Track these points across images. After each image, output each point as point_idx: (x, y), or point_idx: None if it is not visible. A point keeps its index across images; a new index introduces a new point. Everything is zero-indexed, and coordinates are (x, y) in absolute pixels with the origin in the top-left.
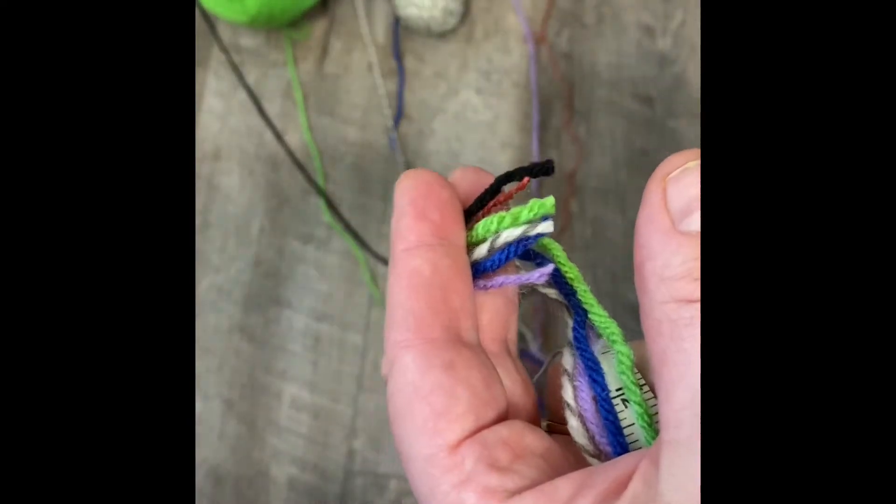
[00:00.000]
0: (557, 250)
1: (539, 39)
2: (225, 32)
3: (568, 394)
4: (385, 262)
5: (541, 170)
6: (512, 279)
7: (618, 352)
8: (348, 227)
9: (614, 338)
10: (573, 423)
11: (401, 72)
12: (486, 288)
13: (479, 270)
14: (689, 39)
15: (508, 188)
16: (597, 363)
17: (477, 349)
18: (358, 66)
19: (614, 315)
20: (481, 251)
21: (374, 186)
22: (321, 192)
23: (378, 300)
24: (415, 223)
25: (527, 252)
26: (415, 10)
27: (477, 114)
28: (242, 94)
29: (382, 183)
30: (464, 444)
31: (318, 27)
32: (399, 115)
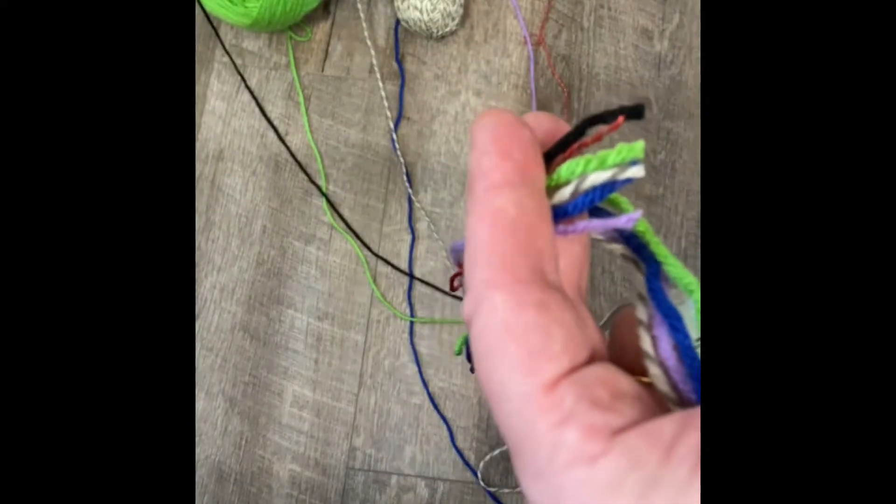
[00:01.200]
0: (625, 203)
1: (538, 42)
2: (227, 35)
3: (647, 344)
4: (386, 261)
5: (631, 112)
6: (595, 224)
7: (696, 301)
8: (349, 228)
9: (692, 287)
10: (655, 372)
11: (401, 74)
12: (565, 233)
13: (559, 215)
14: (686, 42)
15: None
16: (676, 312)
17: (563, 292)
18: (359, 69)
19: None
20: (563, 194)
21: (374, 187)
22: (323, 193)
23: (380, 299)
24: (499, 161)
25: (584, 194)
26: (415, 13)
27: (476, 115)
28: (245, 96)
29: (383, 184)
30: (561, 382)
31: (320, 30)
32: (399, 116)
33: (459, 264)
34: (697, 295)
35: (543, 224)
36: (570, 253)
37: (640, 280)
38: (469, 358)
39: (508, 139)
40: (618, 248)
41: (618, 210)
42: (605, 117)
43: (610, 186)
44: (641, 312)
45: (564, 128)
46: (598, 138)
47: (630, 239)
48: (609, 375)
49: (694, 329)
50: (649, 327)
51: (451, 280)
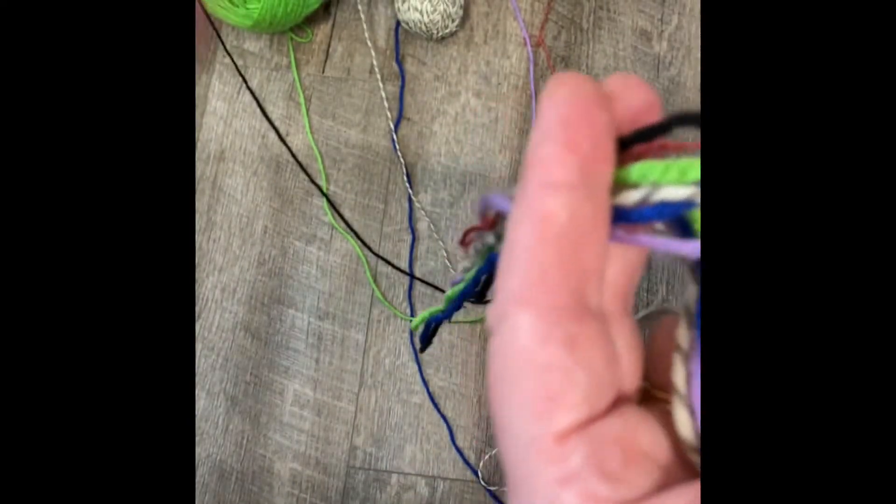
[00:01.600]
0: (698, 216)
1: (537, 43)
2: (229, 36)
3: (679, 378)
4: (387, 261)
5: None
6: (658, 242)
7: None
8: (350, 228)
9: None
10: (681, 417)
11: (402, 75)
12: (621, 241)
13: (619, 216)
14: (685, 43)
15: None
16: None
17: (600, 318)
18: (359, 70)
19: None
20: (630, 198)
21: (375, 188)
22: (323, 194)
23: (380, 298)
24: (562, 153)
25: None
26: (416, 14)
27: (476, 116)
28: (246, 97)
29: (384, 184)
30: (573, 436)
31: (321, 31)
32: (400, 117)
33: (483, 217)
34: None
35: (597, 234)
36: (624, 259)
37: (691, 291)
38: (422, 339)
39: (580, 124)
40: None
41: (691, 220)
42: (696, 120)
43: (685, 206)
44: (682, 336)
45: (657, 106)
46: (682, 147)
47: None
48: (628, 431)
49: None
50: (687, 358)
51: (465, 234)
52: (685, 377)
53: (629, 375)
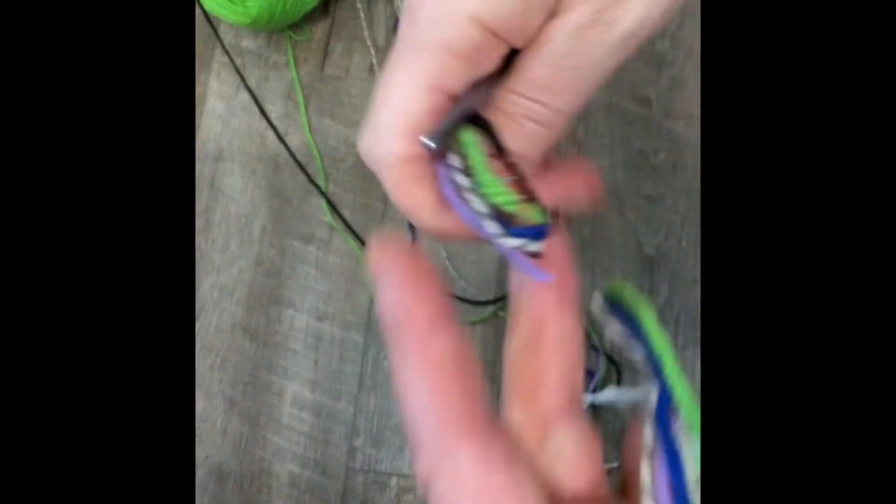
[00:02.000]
0: (648, 316)
1: None
2: (227, 34)
3: (645, 474)
4: None
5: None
6: (623, 397)
7: (696, 437)
8: (349, 228)
9: (696, 427)
10: None
11: None
12: (587, 392)
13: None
14: (687, 41)
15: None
16: (677, 452)
17: (505, 428)
18: (359, 69)
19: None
20: (479, 206)
21: (374, 187)
22: (322, 193)
23: None
24: (418, 306)
25: (612, 305)
26: None
27: None
28: (244, 96)
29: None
30: None
31: (319, 29)
32: None
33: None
34: (698, 431)
35: (472, 357)
36: (562, 365)
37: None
38: None
39: (410, 279)
40: (637, 355)
41: (638, 319)
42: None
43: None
44: (648, 436)
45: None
46: (525, 182)
47: (649, 354)
48: None
49: (694, 467)
50: (652, 455)
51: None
52: (650, 473)
53: (576, 470)
